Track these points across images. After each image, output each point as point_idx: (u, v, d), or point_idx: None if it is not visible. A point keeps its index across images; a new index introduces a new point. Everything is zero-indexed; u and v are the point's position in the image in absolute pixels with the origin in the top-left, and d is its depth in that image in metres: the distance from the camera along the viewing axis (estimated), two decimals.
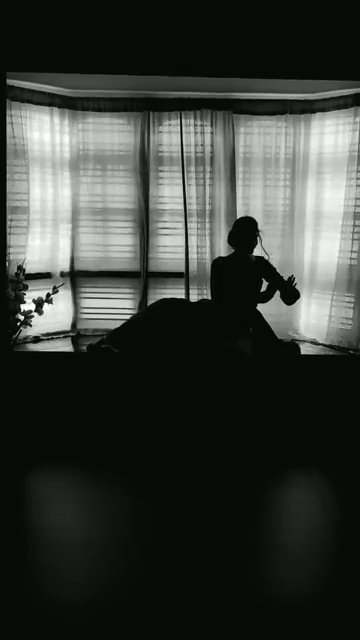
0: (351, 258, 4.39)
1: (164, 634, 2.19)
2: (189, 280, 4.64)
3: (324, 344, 4.49)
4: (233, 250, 4.18)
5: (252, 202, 4.67)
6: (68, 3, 3.81)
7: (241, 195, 4.64)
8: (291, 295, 4.12)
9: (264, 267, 4.14)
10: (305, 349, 4.45)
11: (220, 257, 4.25)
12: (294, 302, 4.20)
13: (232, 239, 4.13)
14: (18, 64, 3.89)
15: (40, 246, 4.53)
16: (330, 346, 4.46)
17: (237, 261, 4.11)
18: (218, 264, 4.14)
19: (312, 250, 4.63)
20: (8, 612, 2.28)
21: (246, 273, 4.08)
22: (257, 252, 4.20)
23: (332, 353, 4.37)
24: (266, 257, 4.17)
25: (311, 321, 4.68)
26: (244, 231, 4.08)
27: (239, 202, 4.61)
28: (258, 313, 4.17)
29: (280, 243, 4.63)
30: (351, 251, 4.38)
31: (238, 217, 4.32)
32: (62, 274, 4.66)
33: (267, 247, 4.18)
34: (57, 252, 4.63)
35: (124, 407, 4.06)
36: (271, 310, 4.58)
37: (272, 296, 4.20)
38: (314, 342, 4.57)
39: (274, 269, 4.16)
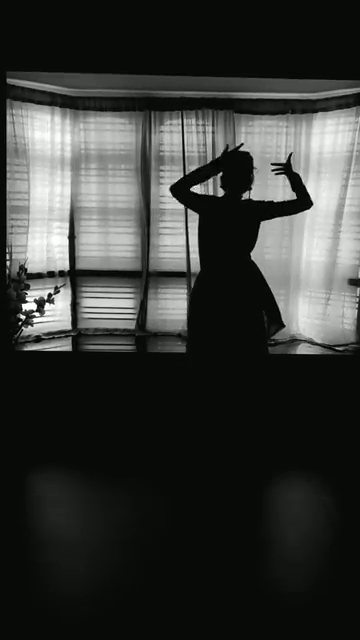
0: (353, 258, 4.40)
1: (164, 632, 2.20)
2: (190, 280, 4.64)
3: (322, 344, 4.49)
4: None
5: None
6: (68, 2, 3.80)
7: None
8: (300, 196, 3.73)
9: (256, 208, 3.68)
10: (305, 349, 4.47)
11: (213, 196, 3.88)
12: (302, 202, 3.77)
13: (223, 179, 3.69)
14: (18, 63, 3.88)
15: (41, 245, 4.53)
16: (329, 346, 4.46)
17: (226, 204, 3.67)
18: (206, 198, 3.84)
19: (312, 249, 4.63)
20: (10, 608, 2.30)
21: (235, 219, 3.62)
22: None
23: (329, 353, 4.38)
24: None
25: (308, 320, 4.68)
26: (235, 168, 3.63)
27: None
28: (253, 265, 3.70)
29: (280, 242, 4.63)
30: (352, 251, 4.40)
31: None
32: (63, 274, 4.67)
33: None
34: (58, 251, 4.64)
35: (125, 408, 4.07)
36: None
37: (301, 202, 3.75)
38: (311, 342, 4.58)
39: (269, 201, 3.76)
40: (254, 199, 3.73)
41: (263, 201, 3.75)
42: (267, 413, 3.70)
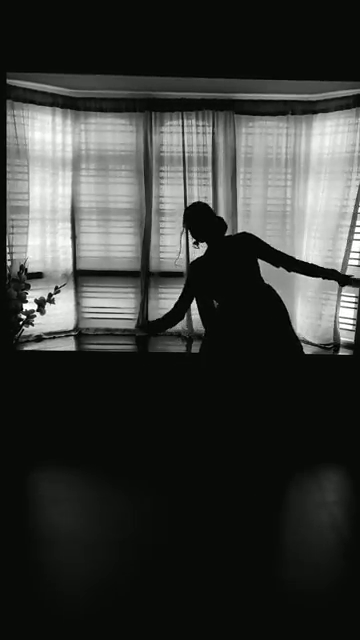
0: (352, 258, 4.41)
1: (167, 630, 2.21)
2: None
3: (323, 344, 4.51)
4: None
5: (253, 202, 4.68)
6: (69, 3, 3.82)
7: (242, 195, 4.65)
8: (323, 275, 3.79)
9: (248, 242, 3.68)
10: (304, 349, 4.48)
11: (194, 260, 3.84)
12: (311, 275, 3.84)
13: (196, 238, 3.75)
14: (18, 64, 3.90)
15: (42, 245, 4.55)
16: (325, 346, 4.48)
17: (213, 254, 3.70)
18: (194, 267, 3.79)
19: (313, 250, 4.64)
20: (11, 604, 2.33)
21: (229, 260, 3.64)
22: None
23: (328, 353, 4.39)
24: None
25: (308, 321, 4.69)
26: (197, 224, 3.70)
27: (240, 202, 4.63)
28: (270, 288, 3.72)
29: (281, 243, 4.63)
30: (352, 251, 4.41)
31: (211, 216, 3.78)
32: (64, 274, 4.68)
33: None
34: (59, 252, 4.66)
35: (125, 407, 4.09)
36: None
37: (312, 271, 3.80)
38: (310, 342, 4.59)
39: (259, 240, 3.72)
40: (249, 234, 3.74)
41: (258, 241, 3.71)
42: (301, 414, 3.73)
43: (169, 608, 2.33)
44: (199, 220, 3.71)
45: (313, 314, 4.64)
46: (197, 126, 4.58)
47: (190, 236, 3.79)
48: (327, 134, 4.52)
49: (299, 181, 4.61)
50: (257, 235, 3.79)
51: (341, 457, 3.82)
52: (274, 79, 4.03)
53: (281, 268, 3.80)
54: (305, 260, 4.59)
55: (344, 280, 3.93)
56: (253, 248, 3.68)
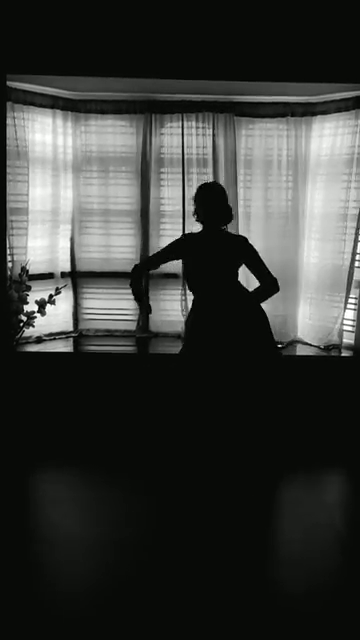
0: (353, 260, 4.43)
1: (163, 630, 2.22)
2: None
3: (324, 346, 4.52)
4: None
5: (253, 204, 4.69)
6: (69, 5, 3.83)
7: (242, 197, 4.66)
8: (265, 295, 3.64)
9: (243, 248, 3.58)
10: (304, 351, 4.50)
11: (189, 233, 3.74)
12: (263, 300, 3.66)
13: (199, 214, 3.59)
14: (18, 66, 3.92)
15: (42, 247, 4.56)
16: (326, 348, 4.49)
17: (206, 238, 3.57)
18: (186, 237, 3.66)
19: (313, 252, 4.65)
20: (12, 603, 2.34)
21: (218, 251, 3.54)
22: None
23: (328, 354, 4.41)
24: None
25: (309, 322, 4.70)
26: (206, 200, 3.55)
27: (240, 204, 4.63)
28: (245, 289, 3.63)
29: (281, 244, 4.65)
30: (353, 253, 4.42)
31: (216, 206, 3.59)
32: (64, 275, 4.70)
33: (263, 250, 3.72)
34: (59, 253, 4.67)
35: (126, 408, 4.09)
36: (270, 310, 4.61)
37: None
38: (309, 344, 4.61)
39: (255, 252, 3.61)
40: (246, 239, 3.65)
41: (252, 251, 3.59)
42: (276, 414, 3.67)
43: (166, 608, 2.34)
44: (212, 199, 3.54)
45: (314, 315, 4.65)
46: (197, 128, 4.59)
47: (194, 210, 3.63)
48: (326, 136, 4.53)
49: (299, 183, 4.62)
50: (251, 241, 3.67)
51: (342, 458, 3.82)
52: (274, 81, 4.04)
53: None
54: (304, 264, 4.64)
55: None
56: (244, 254, 3.58)
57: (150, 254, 4.70)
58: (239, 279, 3.65)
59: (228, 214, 3.59)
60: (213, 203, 3.54)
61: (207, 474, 3.51)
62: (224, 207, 3.57)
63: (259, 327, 3.58)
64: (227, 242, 3.59)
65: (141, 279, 3.79)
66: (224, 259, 3.54)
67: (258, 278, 3.65)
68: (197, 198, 3.59)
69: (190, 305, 3.81)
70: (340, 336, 4.47)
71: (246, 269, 3.67)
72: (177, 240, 3.67)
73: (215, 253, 3.53)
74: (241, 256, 3.59)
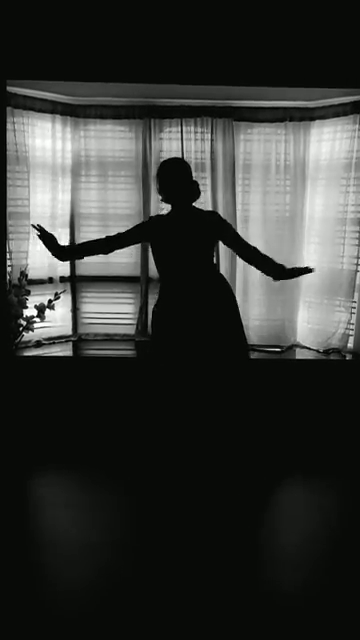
0: (351, 264, 4.45)
1: (161, 630, 2.23)
2: None
3: (324, 350, 4.54)
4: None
5: (252, 209, 4.71)
6: (69, 11, 3.85)
7: (241, 201, 4.68)
8: (287, 275, 3.46)
9: (215, 222, 3.38)
10: (303, 355, 4.51)
11: (157, 215, 3.55)
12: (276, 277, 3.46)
13: (162, 193, 3.36)
14: (18, 72, 3.93)
15: (41, 251, 4.55)
16: (326, 351, 4.51)
17: (175, 219, 3.36)
18: (151, 220, 3.47)
19: (312, 256, 4.67)
20: (12, 605, 2.36)
21: (189, 231, 3.32)
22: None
23: (327, 358, 4.42)
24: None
25: (309, 326, 4.71)
26: (169, 177, 3.33)
27: (239, 208, 4.66)
28: (219, 275, 3.50)
29: (280, 249, 4.66)
30: (351, 257, 4.44)
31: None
32: (63, 279, 4.71)
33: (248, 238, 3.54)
34: None
35: (124, 412, 4.10)
36: (269, 315, 4.64)
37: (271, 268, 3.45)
38: (309, 348, 4.62)
39: (230, 226, 3.43)
40: (217, 213, 3.51)
41: (228, 225, 3.42)
42: (253, 416, 3.59)
43: (164, 608, 2.36)
44: (176, 175, 3.32)
45: (314, 319, 4.67)
46: (196, 133, 4.61)
47: (157, 190, 3.42)
48: (325, 141, 4.56)
49: (297, 187, 4.64)
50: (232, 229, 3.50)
51: (341, 460, 3.83)
52: (272, 86, 4.06)
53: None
54: (304, 265, 4.64)
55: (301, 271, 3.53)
56: (217, 229, 3.36)
57: (149, 258, 4.72)
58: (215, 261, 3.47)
59: (195, 190, 3.36)
60: (178, 179, 3.32)
61: (204, 476, 3.51)
62: (190, 182, 3.35)
63: (228, 319, 3.41)
64: (199, 220, 3.36)
65: (82, 246, 3.56)
66: (196, 239, 3.33)
67: (242, 254, 3.44)
68: (159, 176, 3.36)
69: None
70: (344, 340, 4.48)
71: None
72: (143, 222, 3.50)
73: (185, 234, 3.31)
74: (216, 234, 3.39)
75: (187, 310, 3.36)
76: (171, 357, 3.40)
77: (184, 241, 3.34)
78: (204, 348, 3.37)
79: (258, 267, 3.48)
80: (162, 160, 3.56)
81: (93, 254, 3.53)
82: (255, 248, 3.45)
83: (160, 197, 3.44)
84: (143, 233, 3.45)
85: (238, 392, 3.48)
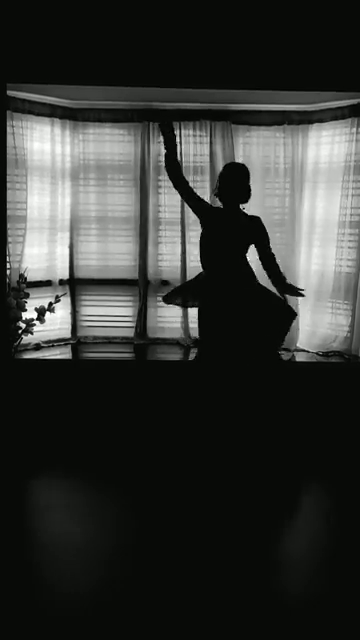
0: (349, 266, 4.45)
1: (162, 632, 2.23)
2: None
3: (322, 352, 4.54)
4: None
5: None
6: (69, 15, 3.86)
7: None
8: (283, 287, 3.75)
9: (257, 229, 3.70)
10: (303, 357, 4.51)
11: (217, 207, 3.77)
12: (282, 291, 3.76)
13: (220, 191, 3.67)
14: (18, 75, 3.95)
15: (40, 254, 4.58)
16: (326, 354, 4.51)
17: (227, 216, 3.66)
18: (212, 207, 3.73)
19: (310, 258, 4.68)
20: (10, 606, 2.35)
21: (236, 231, 3.65)
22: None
23: (327, 360, 4.42)
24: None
25: (308, 329, 4.71)
26: (233, 179, 3.64)
27: None
28: (253, 277, 3.73)
29: (279, 252, 4.65)
30: (350, 259, 4.45)
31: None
32: (62, 282, 4.71)
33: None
34: (57, 260, 4.69)
35: (124, 414, 4.10)
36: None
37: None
38: (307, 351, 4.63)
39: (266, 233, 3.74)
40: (260, 219, 3.74)
41: (265, 233, 3.72)
42: (273, 417, 3.69)
43: (166, 610, 2.35)
44: (238, 178, 3.64)
45: (313, 322, 4.67)
46: (195, 136, 4.63)
47: (217, 188, 3.70)
48: (323, 144, 4.57)
49: (296, 190, 4.65)
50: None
51: (341, 462, 3.83)
52: (271, 90, 4.07)
53: None
54: (303, 271, 4.66)
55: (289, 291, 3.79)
56: (257, 233, 3.69)
57: (148, 261, 4.73)
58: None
59: (248, 194, 3.67)
60: (238, 182, 3.62)
61: (207, 478, 3.51)
62: (247, 187, 3.65)
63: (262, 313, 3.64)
64: (244, 221, 3.68)
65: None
66: (238, 237, 3.65)
67: (263, 257, 3.73)
68: (224, 176, 3.66)
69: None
70: (343, 343, 4.48)
71: None
72: (208, 203, 3.74)
73: (233, 229, 3.62)
74: (254, 237, 3.70)
75: (231, 304, 3.60)
76: (218, 349, 3.60)
77: (231, 235, 3.62)
78: (248, 340, 3.58)
79: (268, 272, 3.75)
80: (228, 164, 3.87)
81: (178, 176, 3.71)
82: (273, 255, 3.76)
83: (214, 192, 3.72)
84: (205, 208, 3.68)
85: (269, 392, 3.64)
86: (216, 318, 3.62)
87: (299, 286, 4.54)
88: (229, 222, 3.64)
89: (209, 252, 3.68)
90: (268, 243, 3.74)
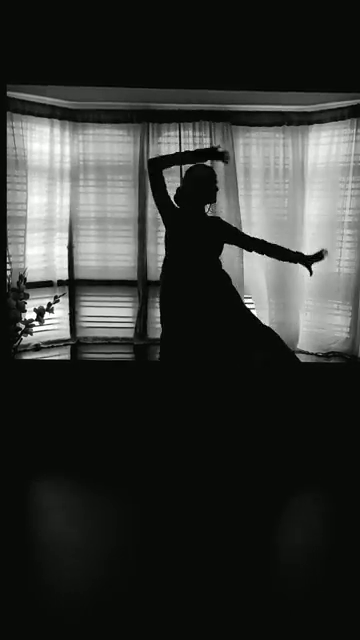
0: (348, 267, 4.46)
1: (162, 633, 2.23)
2: None
3: (322, 353, 4.54)
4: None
5: (250, 212, 4.72)
6: (68, 16, 3.86)
7: (240, 205, 4.69)
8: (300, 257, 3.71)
9: (223, 229, 3.65)
10: (302, 358, 4.50)
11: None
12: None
13: (183, 194, 3.58)
14: (18, 76, 3.94)
15: (39, 255, 4.58)
16: (325, 355, 4.52)
17: (192, 217, 3.58)
18: (172, 205, 3.58)
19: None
20: (10, 606, 2.35)
21: (203, 232, 3.59)
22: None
23: (326, 361, 4.42)
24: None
25: (307, 330, 4.71)
26: (199, 183, 3.58)
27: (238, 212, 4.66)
28: (225, 275, 3.67)
29: None
30: (349, 260, 4.46)
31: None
32: (61, 283, 4.71)
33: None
34: (56, 261, 4.69)
35: (124, 416, 4.10)
36: (276, 318, 4.64)
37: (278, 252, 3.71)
38: (307, 352, 4.63)
39: (234, 227, 3.72)
40: (223, 219, 3.73)
41: (230, 226, 3.71)
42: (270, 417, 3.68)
43: (166, 610, 2.35)
44: (209, 185, 3.58)
45: (313, 323, 4.67)
46: (194, 137, 4.63)
47: (180, 188, 3.63)
48: (323, 145, 4.58)
49: (296, 191, 4.65)
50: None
51: (341, 464, 3.83)
52: (270, 90, 4.07)
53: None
54: (302, 271, 4.66)
55: (313, 259, 3.72)
56: (221, 231, 3.62)
57: (148, 261, 4.73)
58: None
59: (211, 199, 3.62)
60: (205, 188, 3.57)
61: (207, 478, 3.51)
62: (212, 193, 3.60)
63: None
64: (210, 224, 3.63)
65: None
66: (207, 240, 3.58)
67: (250, 247, 3.68)
68: (190, 181, 3.59)
69: None
70: (342, 344, 4.48)
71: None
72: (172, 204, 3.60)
73: (200, 233, 3.56)
74: (220, 233, 3.62)
75: (192, 298, 3.54)
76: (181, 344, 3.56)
77: (202, 237, 3.56)
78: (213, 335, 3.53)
79: (271, 255, 3.70)
80: (192, 166, 3.68)
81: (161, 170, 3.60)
82: (263, 240, 3.67)
83: (176, 193, 3.58)
84: (174, 208, 3.58)
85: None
86: (184, 315, 3.56)
87: (300, 287, 4.58)
88: (198, 224, 3.58)
89: (179, 254, 3.60)
90: (239, 232, 3.70)
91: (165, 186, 3.56)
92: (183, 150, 4.14)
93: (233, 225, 3.72)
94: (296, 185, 4.65)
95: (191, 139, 4.63)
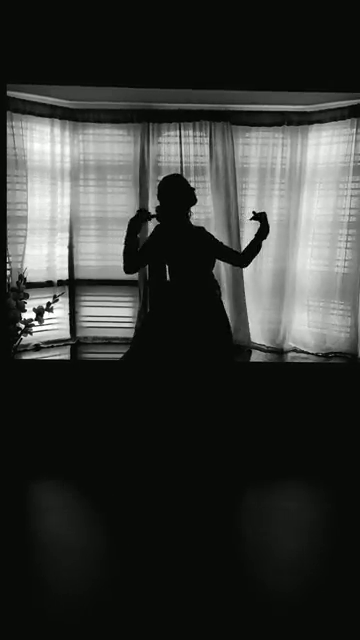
0: (348, 267, 4.46)
1: (159, 631, 2.23)
2: None
3: (321, 353, 4.54)
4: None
5: (250, 212, 4.71)
6: (69, 15, 3.86)
7: (240, 205, 4.69)
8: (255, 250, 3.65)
9: (207, 241, 3.59)
10: (299, 358, 4.52)
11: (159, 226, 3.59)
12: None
13: (164, 210, 3.52)
14: (18, 76, 3.94)
15: (39, 255, 4.58)
16: (325, 355, 4.52)
17: (180, 231, 3.54)
18: (158, 229, 3.56)
19: (310, 259, 4.68)
20: (12, 606, 2.36)
21: (195, 243, 3.55)
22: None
23: (325, 361, 4.42)
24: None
25: (307, 330, 4.72)
26: (175, 191, 3.52)
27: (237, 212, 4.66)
28: (216, 284, 3.69)
29: (277, 252, 4.68)
30: (349, 260, 4.45)
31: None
32: (61, 283, 4.71)
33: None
34: (56, 261, 4.69)
35: (123, 416, 4.10)
36: (270, 317, 4.64)
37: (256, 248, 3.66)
38: (305, 351, 4.63)
39: (219, 243, 3.65)
40: (208, 231, 3.68)
41: (213, 238, 3.65)
42: (232, 419, 3.66)
43: (163, 613, 2.35)
44: (180, 194, 3.52)
45: (311, 323, 4.67)
46: (194, 137, 4.63)
47: (155, 209, 3.57)
48: (323, 144, 4.57)
49: (296, 191, 4.65)
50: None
51: (338, 465, 3.83)
52: (270, 90, 4.07)
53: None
54: (299, 271, 4.66)
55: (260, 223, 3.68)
56: (209, 244, 3.59)
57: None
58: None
59: (190, 204, 3.57)
60: (181, 188, 3.54)
61: (207, 478, 3.52)
62: (188, 198, 3.55)
63: (218, 328, 3.61)
64: (195, 234, 3.58)
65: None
66: (198, 250, 3.54)
67: (231, 260, 3.74)
68: (163, 191, 3.52)
69: None
70: (342, 343, 4.48)
71: None
72: (152, 236, 3.57)
73: (190, 243, 3.53)
74: (208, 246, 3.59)
75: (181, 315, 3.54)
76: (158, 357, 3.57)
77: (190, 248, 3.53)
78: (191, 351, 3.53)
79: (250, 257, 3.68)
80: (165, 177, 3.66)
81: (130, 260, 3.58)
82: (233, 251, 3.78)
83: (155, 212, 3.56)
84: (158, 246, 3.55)
85: (222, 394, 3.59)
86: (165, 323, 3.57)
87: (296, 287, 4.59)
88: (185, 236, 3.54)
89: (177, 268, 3.58)
90: (226, 247, 3.69)
91: (147, 256, 3.62)
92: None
93: (215, 238, 3.67)
94: (295, 185, 4.65)
95: (191, 139, 4.63)
